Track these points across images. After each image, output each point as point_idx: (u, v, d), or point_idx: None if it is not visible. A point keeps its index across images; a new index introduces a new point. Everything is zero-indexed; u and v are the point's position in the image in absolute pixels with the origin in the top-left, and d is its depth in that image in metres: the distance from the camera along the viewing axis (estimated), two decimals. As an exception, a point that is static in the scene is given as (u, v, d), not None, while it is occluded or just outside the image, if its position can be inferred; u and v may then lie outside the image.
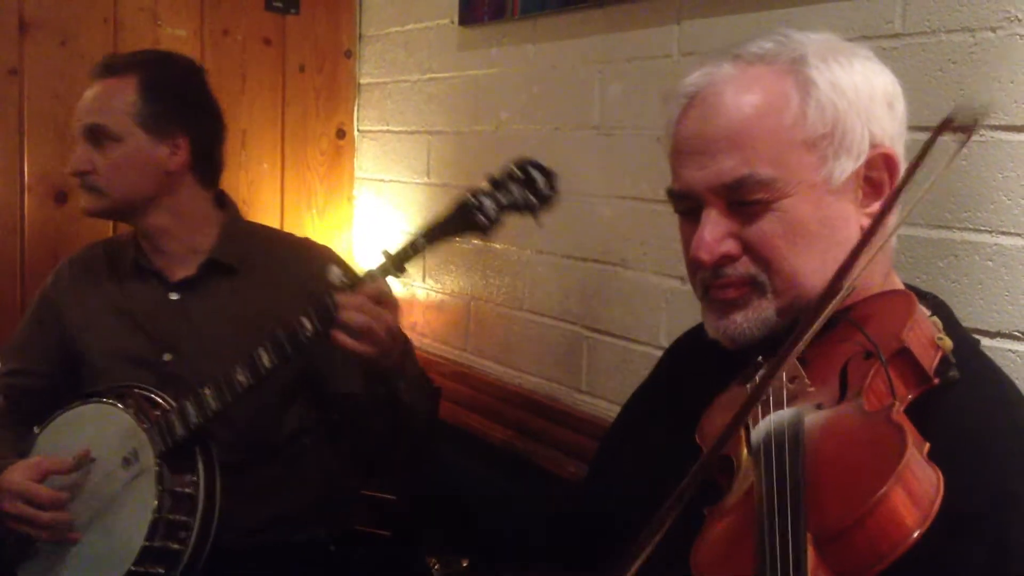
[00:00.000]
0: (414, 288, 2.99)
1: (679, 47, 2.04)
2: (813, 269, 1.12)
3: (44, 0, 2.86)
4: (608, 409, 2.18)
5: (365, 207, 3.26)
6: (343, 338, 1.64)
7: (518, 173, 1.67)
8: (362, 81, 3.27)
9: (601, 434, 1.60)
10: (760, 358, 1.14)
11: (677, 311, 2.03)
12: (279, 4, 3.14)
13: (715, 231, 1.15)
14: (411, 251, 1.70)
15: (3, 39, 2.83)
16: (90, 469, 1.87)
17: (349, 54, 3.26)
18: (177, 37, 3.01)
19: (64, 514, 1.84)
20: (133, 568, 1.77)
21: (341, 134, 3.28)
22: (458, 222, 1.68)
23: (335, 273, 1.70)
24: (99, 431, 1.88)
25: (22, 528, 1.84)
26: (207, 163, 2.11)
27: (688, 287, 1.90)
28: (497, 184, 1.68)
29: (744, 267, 1.15)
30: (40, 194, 2.87)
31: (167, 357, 2.02)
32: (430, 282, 2.91)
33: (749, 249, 1.15)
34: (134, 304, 2.07)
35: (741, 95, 1.14)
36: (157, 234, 2.07)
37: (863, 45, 1.21)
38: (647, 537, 0.93)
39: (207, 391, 1.80)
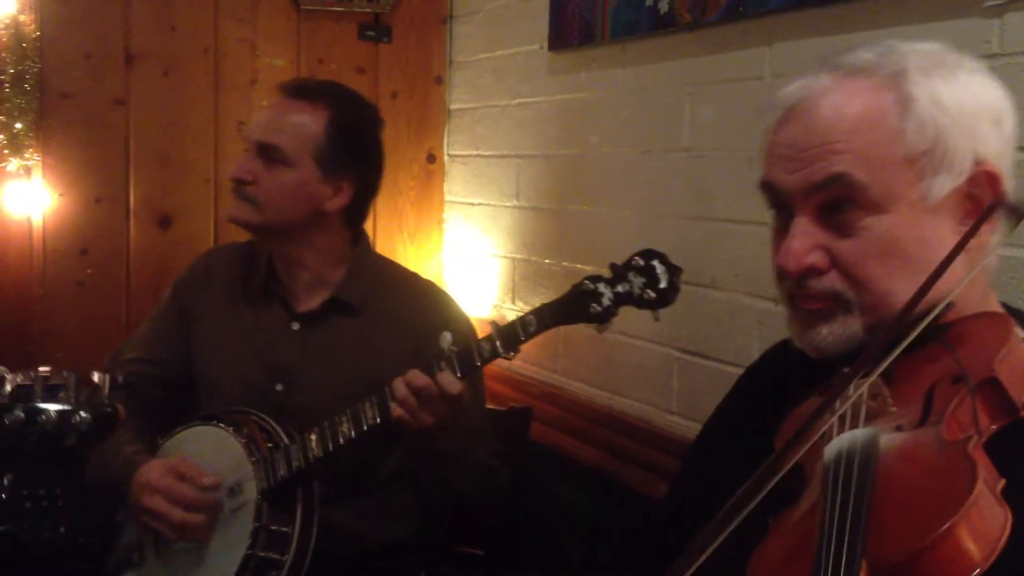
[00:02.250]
0: (503, 309, 3.02)
1: (770, 69, 2.04)
2: (905, 290, 1.07)
3: (149, 33, 2.98)
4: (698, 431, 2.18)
5: (455, 230, 3.31)
6: (395, 408, 1.69)
7: (641, 265, 1.62)
8: (452, 107, 3.33)
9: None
10: (846, 369, 1.12)
11: (769, 332, 2.01)
12: (372, 33, 3.22)
13: (804, 241, 1.11)
14: (521, 332, 1.67)
15: (110, 70, 2.95)
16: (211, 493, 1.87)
17: (439, 80, 3.33)
18: (275, 67, 3.11)
19: (198, 517, 1.83)
20: None
21: (431, 159, 3.34)
22: (571, 309, 1.64)
23: (446, 341, 1.70)
24: (214, 456, 1.89)
25: (154, 524, 1.84)
26: (360, 211, 2.10)
27: (784, 308, 1.91)
28: (618, 274, 1.63)
29: (830, 282, 1.12)
30: (145, 219, 2.99)
31: (279, 387, 2.02)
32: (519, 303, 2.93)
33: (838, 264, 1.11)
34: (257, 326, 2.07)
35: (839, 107, 1.11)
36: (292, 263, 2.06)
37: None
38: (708, 538, 0.92)
39: (312, 436, 1.81)
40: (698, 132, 2.24)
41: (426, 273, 2.51)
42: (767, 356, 1.43)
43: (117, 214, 2.98)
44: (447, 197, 3.35)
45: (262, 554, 1.80)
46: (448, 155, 3.35)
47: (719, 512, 0.95)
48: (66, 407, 1.37)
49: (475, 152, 3.20)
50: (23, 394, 1.36)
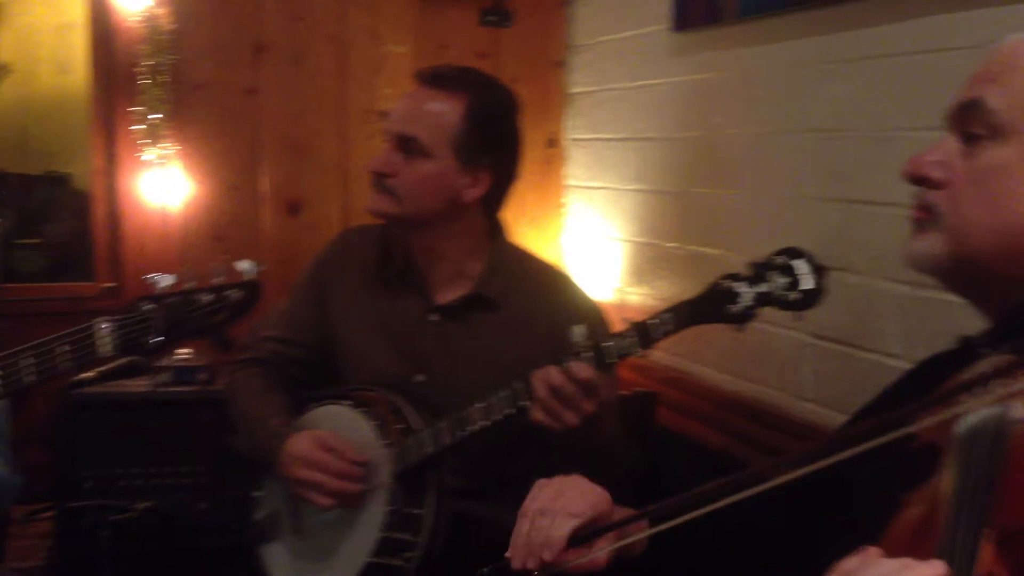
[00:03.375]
0: (625, 293, 3.01)
1: (911, 45, 1.97)
2: (985, 227, 1.09)
3: (277, 23, 3.05)
4: (834, 418, 2.14)
5: (575, 215, 3.30)
6: (535, 410, 1.68)
7: (784, 263, 1.56)
8: (572, 90, 3.32)
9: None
10: (988, 350, 1.10)
11: (908, 318, 1.96)
12: (493, 18, 3.23)
13: (932, 154, 1.13)
14: (657, 331, 1.64)
15: (241, 61, 3.03)
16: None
17: (560, 64, 3.32)
18: (397, 54, 3.15)
19: (353, 485, 1.86)
20: None
21: (552, 143, 3.34)
22: (709, 308, 1.60)
23: (579, 334, 1.68)
24: (346, 435, 1.91)
25: (309, 495, 1.87)
26: (499, 199, 2.08)
27: (924, 293, 1.86)
28: (758, 273, 1.57)
29: (936, 197, 1.13)
30: (275, 206, 3.07)
31: (419, 378, 2.03)
32: (643, 287, 2.92)
33: (951, 183, 1.12)
34: (394, 316, 2.07)
35: (1017, 50, 1.11)
36: (431, 253, 2.06)
37: None
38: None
39: (444, 424, 1.82)
40: (832, 111, 2.18)
41: (548, 256, 2.51)
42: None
43: (249, 201, 3.06)
44: (567, 181, 3.35)
45: (396, 536, 1.83)
46: (569, 139, 3.34)
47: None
48: (217, 285, 1.50)
49: (596, 136, 3.19)
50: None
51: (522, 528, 1.33)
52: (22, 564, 2.52)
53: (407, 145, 1.98)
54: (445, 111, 1.97)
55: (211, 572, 2.48)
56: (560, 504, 1.32)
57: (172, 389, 2.67)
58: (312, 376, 2.14)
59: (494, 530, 2.00)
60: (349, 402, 1.99)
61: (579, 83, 3.29)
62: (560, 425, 1.68)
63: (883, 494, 0.96)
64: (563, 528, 1.29)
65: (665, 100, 2.80)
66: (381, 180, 2.00)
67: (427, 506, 1.85)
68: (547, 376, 1.67)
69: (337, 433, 1.92)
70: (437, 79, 2.01)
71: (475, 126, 1.97)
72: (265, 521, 2.04)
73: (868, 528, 0.96)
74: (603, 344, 1.67)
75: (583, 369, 1.65)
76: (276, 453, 1.92)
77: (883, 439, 0.95)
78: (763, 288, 1.57)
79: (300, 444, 1.89)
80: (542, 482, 1.37)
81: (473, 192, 2.00)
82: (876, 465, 0.95)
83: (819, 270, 1.56)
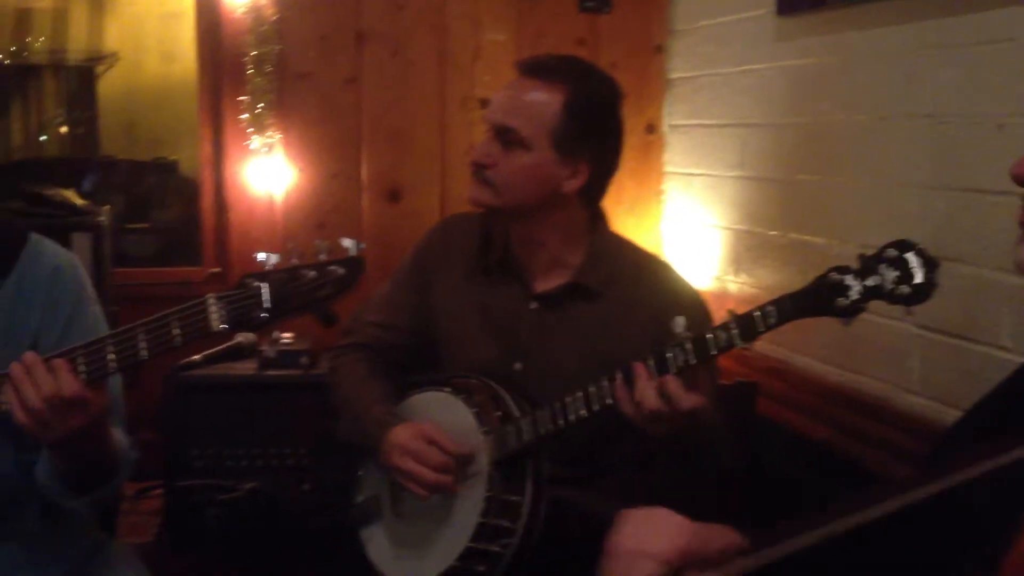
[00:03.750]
0: (725, 281, 2.97)
1: (1022, 31, 1.90)
2: None
3: (378, 12, 3.09)
4: (940, 411, 2.08)
5: (674, 202, 3.27)
6: (628, 407, 1.67)
7: (894, 256, 1.49)
8: (672, 76, 3.29)
9: (936, 437, 1.53)
10: None
11: (1021, 309, 1.90)
12: (591, 4, 3.21)
13: None
14: (760, 323, 1.59)
15: (342, 51, 3.08)
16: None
17: (660, 49, 3.29)
18: (496, 42, 3.15)
19: (448, 478, 1.87)
20: (456, 563, 1.84)
21: (651, 129, 3.31)
22: (816, 301, 1.55)
23: (679, 325, 1.65)
24: (446, 423, 1.93)
25: (406, 483, 1.90)
26: (599, 190, 2.05)
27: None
28: (867, 266, 1.51)
29: None
30: (376, 193, 3.11)
31: (518, 366, 2.02)
32: (743, 276, 2.88)
33: None
34: (494, 304, 2.07)
35: None
36: (531, 243, 2.05)
37: None
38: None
39: (543, 413, 1.82)
40: (942, 97, 2.12)
41: (645, 243, 2.49)
42: None
43: (350, 189, 3.11)
44: (666, 168, 3.32)
45: (495, 522, 1.84)
46: (668, 125, 3.31)
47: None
48: (321, 262, 1.53)
49: (696, 122, 3.15)
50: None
51: (606, 570, 1.29)
52: (134, 540, 2.61)
53: (506, 136, 1.96)
54: (544, 102, 1.95)
55: (312, 553, 2.54)
56: (641, 543, 1.27)
57: (276, 372, 2.73)
58: (412, 361, 2.16)
59: (590, 518, 2.01)
60: (449, 389, 2.00)
61: (679, 68, 3.25)
62: (652, 431, 1.67)
63: (1005, 515, 0.91)
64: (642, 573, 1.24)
65: (769, 85, 2.75)
66: (481, 171, 1.99)
67: (525, 493, 1.86)
68: (641, 394, 1.64)
69: (437, 420, 1.94)
70: (536, 69, 1.99)
71: (574, 117, 1.94)
72: (366, 504, 2.07)
73: (989, 553, 0.91)
74: (704, 336, 1.66)
75: (672, 383, 1.63)
76: (379, 441, 1.94)
77: (1008, 459, 0.91)
78: (872, 282, 1.51)
79: (403, 434, 1.91)
80: (626, 515, 1.34)
81: (572, 184, 1.98)
82: (997, 484, 0.91)
83: (931, 264, 1.49)
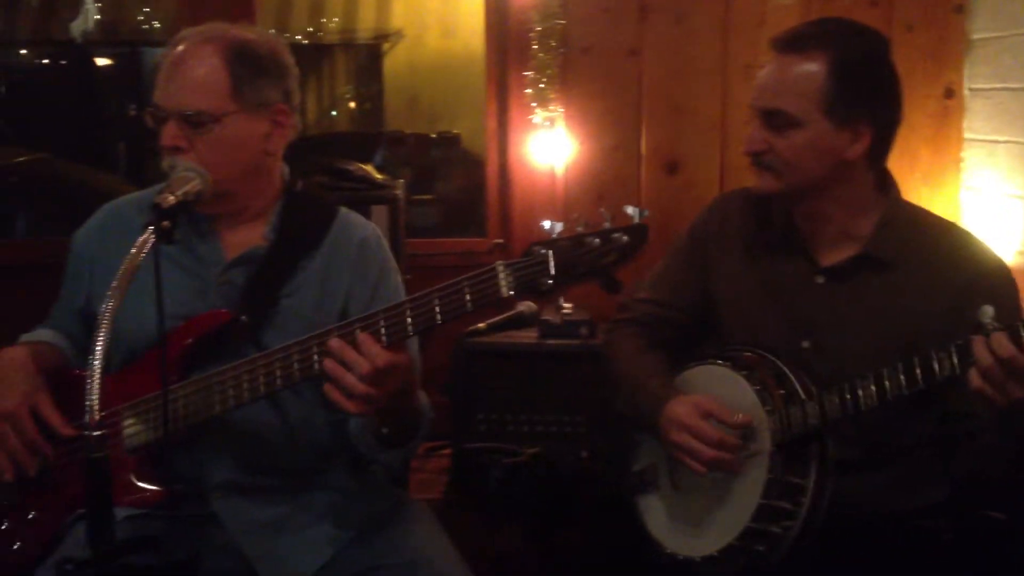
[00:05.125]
0: None
1: None
2: None
3: (663, -17, 3.07)
4: None
5: (975, 171, 3.06)
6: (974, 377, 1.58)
7: None
8: (974, 36, 3.07)
9: None
10: None
11: None
12: (886, -37, 3.05)
13: None
14: None
15: (625, 22, 3.09)
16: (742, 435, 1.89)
17: (960, 9, 3.08)
18: (783, 6, 3.06)
19: (727, 455, 1.86)
20: (735, 542, 1.82)
21: (949, 93, 3.11)
22: None
23: (987, 314, 1.58)
24: (727, 397, 1.90)
25: (683, 459, 1.90)
26: (884, 149, 1.96)
27: None
28: None
29: None
30: (655, 165, 3.11)
31: (805, 344, 1.97)
32: None
33: None
34: (777, 280, 2.03)
35: None
36: (817, 218, 1.98)
37: None
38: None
39: (831, 399, 1.77)
40: None
41: (944, 214, 2.34)
42: None
43: (629, 161, 3.13)
44: (966, 135, 3.11)
45: (775, 504, 1.81)
46: (969, 89, 3.10)
47: None
48: (606, 229, 1.55)
49: (1001, 85, 2.92)
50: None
51: None
52: (422, 495, 2.77)
53: (774, 119, 1.90)
54: (807, 75, 1.87)
55: (589, 519, 2.59)
56: None
57: (556, 341, 2.80)
58: (684, 340, 2.15)
59: (881, 505, 1.93)
60: (728, 363, 1.97)
61: (983, 28, 3.03)
62: (1004, 400, 1.57)
63: None
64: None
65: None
66: (758, 159, 1.94)
67: (809, 477, 1.81)
68: (995, 346, 1.55)
69: (717, 396, 1.92)
70: (792, 43, 1.91)
71: (842, 81, 1.85)
72: (643, 472, 2.09)
73: None
74: (1020, 324, 1.55)
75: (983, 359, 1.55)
76: (655, 415, 1.95)
77: None
78: None
79: (680, 408, 1.91)
80: None
81: (856, 149, 1.89)
82: None
83: None
